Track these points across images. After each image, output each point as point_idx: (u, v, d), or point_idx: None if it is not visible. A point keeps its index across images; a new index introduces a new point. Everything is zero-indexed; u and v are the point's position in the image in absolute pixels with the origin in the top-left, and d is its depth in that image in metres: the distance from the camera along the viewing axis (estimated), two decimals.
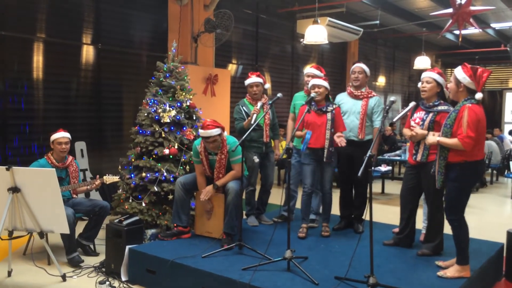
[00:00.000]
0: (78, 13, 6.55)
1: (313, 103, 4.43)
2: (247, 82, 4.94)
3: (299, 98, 5.03)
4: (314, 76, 4.82)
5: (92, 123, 6.80)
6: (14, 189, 3.82)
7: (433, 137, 3.56)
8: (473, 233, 3.75)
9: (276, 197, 5.03)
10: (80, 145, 6.42)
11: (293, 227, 4.15)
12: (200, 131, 4.25)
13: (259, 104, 4.79)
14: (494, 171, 10.75)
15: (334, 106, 4.44)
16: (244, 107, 4.89)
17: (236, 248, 4.01)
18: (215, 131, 4.17)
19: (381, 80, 13.89)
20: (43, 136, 6.10)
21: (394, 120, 4.15)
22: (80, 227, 4.89)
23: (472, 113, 3.35)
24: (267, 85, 5.01)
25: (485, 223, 6.41)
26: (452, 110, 3.54)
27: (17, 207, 3.90)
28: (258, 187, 5.10)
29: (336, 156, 4.50)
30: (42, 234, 4.02)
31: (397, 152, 9.24)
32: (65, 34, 6.42)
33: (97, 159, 6.76)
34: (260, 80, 4.91)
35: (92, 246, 4.72)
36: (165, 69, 5.22)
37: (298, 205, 5.08)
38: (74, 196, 4.76)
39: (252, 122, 4.53)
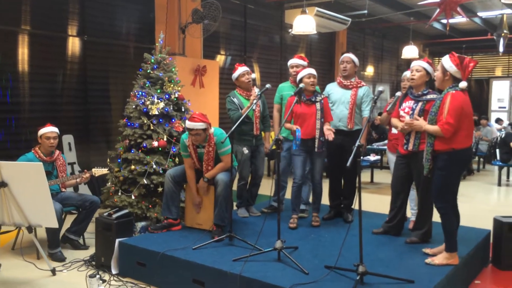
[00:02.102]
0: (63, 4, 6.45)
1: (302, 94, 4.44)
2: (238, 73, 4.88)
3: (285, 89, 5.02)
4: (298, 66, 4.83)
5: (79, 116, 6.73)
6: (2, 184, 3.78)
7: (420, 122, 3.57)
8: (461, 220, 3.80)
9: (266, 188, 5.04)
10: (68, 139, 6.36)
11: (283, 217, 4.16)
12: (186, 121, 4.24)
13: (256, 90, 4.79)
14: (481, 159, 10.88)
15: (322, 96, 4.45)
16: (235, 99, 4.87)
17: (227, 240, 4.02)
18: (200, 125, 4.15)
19: (370, 70, 13.92)
20: (29, 129, 6.02)
21: (387, 109, 4.19)
22: (68, 222, 4.86)
23: (454, 100, 3.39)
24: (253, 75, 4.99)
25: (472, 210, 6.49)
26: (437, 98, 3.58)
27: (5, 202, 3.86)
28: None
29: (326, 145, 4.52)
30: (30, 229, 3.99)
31: (386, 141, 9.29)
32: (50, 26, 6.32)
33: (85, 153, 6.71)
34: (247, 68, 4.92)
35: (80, 241, 4.70)
36: (152, 60, 5.18)
37: (288, 195, 5.10)
38: (63, 190, 4.73)
39: (254, 107, 4.53)
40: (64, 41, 6.52)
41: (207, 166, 4.34)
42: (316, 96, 4.43)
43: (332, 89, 4.80)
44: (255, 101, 4.53)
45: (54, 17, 6.37)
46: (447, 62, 3.52)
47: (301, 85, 4.34)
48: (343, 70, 4.73)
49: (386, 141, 9.30)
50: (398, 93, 4.21)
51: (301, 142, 4.41)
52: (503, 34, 9.77)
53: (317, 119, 4.36)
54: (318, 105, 4.39)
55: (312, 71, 4.43)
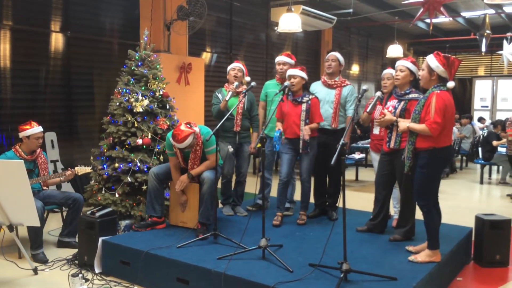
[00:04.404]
0: None
1: (289, 93, 4.44)
2: (229, 67, 4.94)
3: (271, 87, 5.02)
4: (285, 63, 4.83)
5: (62, 113, 6.64)
6: None
7: (403, 123, 3.62)
8: (443, 218, 3.85)
9: (251, 185, 5.04)
10: (50, 136, 6.27)
11: (268, 215, 4.17)
12: (175, 144, 4.12)
13: (235, 83, 4.76)
14: (464, 157, 11.03)
15: (310, 97, 4.43)
16: (219, 94, 4.87)
17: (211, 238, 4.01)
18: (188, 141, 4.06)
19: (355, 69, 14.01)
20: (11, 126, 5.93)
21: (368, 110, 4.22)
22: (51, 220, 4.80)
23: (439, 99, 3.43)
24: (248, 78, 4.95)
25: (455, 208, 6.58)
26: (421, 97, 3.61)
27: None
28: (234, 178, 5.08)
29: (315, 146, 4.51)
30: (11, 227, 3.92)
31: (370, 140, 9.35)
32: (33, 21, 6.22)
33: (68, 150, 6.62)
34: (241, 65, 4.89)
35: (76, 241, 4.59)
36: (137, 57, 5.13)
37: (273, 193, 5.11)
38: (45, 188, 4.66)
39: (227, 98, 4.51)
40: (47, 37, 6.42)
41: (193, 164, 4.31)
42: (303, 96, 4.42)
43: (317, 88, 4.81)
44: (230, 94, 4.54)
45: (36, 12, 6.26)
46: (433, 62, 3.54)
47: (286, 83, 4.34)
48: (328, 68, 4.76)
49: (369, 140, 9.39)
50: (378, 93, 4.25)
51: (288, 140, 4.42)
52: (485, 34, 9.91)
53: (301, 120, 4.36)
54: (304, 106, 4.38)
55: (293, 72, 4.40)
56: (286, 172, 4.48)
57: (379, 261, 3.61)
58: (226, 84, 4.93)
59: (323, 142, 4.61)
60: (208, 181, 4.16)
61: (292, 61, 4.86)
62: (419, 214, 3.82)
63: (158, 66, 5.22)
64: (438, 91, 3.47)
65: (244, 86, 4.97)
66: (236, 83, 4.77)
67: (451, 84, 3.51)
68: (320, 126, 4.68)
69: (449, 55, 3.56)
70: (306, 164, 4.49)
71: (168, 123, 5.08)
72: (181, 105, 5.91)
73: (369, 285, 3.15)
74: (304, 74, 4.42)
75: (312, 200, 4.99)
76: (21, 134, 4.48)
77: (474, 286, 3.97)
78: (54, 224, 5.28)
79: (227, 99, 4.58)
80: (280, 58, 4.92)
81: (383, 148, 4.18)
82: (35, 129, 4.49)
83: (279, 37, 10.83)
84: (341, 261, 3.22)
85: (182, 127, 4.09)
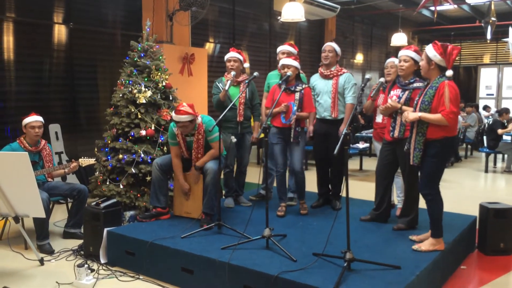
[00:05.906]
0: None
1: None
2: (226, 57, 4.89)
3: (273, 77, 5.00)
4: (288, 52, 4.80)
5: (66, 105, 6.66)
6: None
7: (414, 113, 3.56)
8: (448, 207, 3.85)
9: (255, 176, 5.04)
10: (55, 128, 6.29)
11: (271, 205, 4.18)
12: (173, 113, 4.19)
13: (232, 73, 4.73)
14: (469, 146, 10.99)
15: (303, 86, 4.41)
16: (220, 84, 4.85)
17: (215, 228, 4.03)
18: (185, 117, 4.10)
19: (359, 58, 13.91)
20: (16, 118, 5.95)
21: (371, 95, 4.21)
22: (56, 211, 4.82)
23: (452, 89, 3.43)
24: (246, 64, 4.93)
25: (459, 196, 6.57)
26: (427, 87, 3.58)
27: None
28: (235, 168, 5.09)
29: (305, 136, 4.50)
30: (17, 219, 3.96)
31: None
32: (36, 13, 6.22)
33: (72, 142, 6.65)
34: (237, 55, 4.84)
35: (82, 231, 4.63)
36: (139, 48, 5.12)
37: (276, 183, 5.10)
38: (50, 179, 4.69)
39: (226, 88, 4.50)
40: (49, 28, 6.42)
41: (197, 154, 4.32)
42: (297, 85, 4.40)
43: (315, 80, 4.80)
44: (228, 83, 4.53)
45: (39, 4, 6.25)
46: (431, 51, 3.53)
47: (288, 73, 4.32)
48: (325, 58, 4.72)
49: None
50: (382, 79, 4.23)
51: (278, 130, 4.41)
52: (490, 21, 9.80)
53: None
54: (297, 95, 4.36)
55: (286, 61, 4.37)
56: (282, 162, 4.48)
57: (382, 250, 3.62)
58: (226, 73, 4.91)
59: (324, 132, 4.60)
60: (212, 172, 4.17)
61: (295, 51, 4.83)
62: (422, 203, 3.82)
63: (160, 57, 5.22)
64: (447, 81, 3.46)
65: (245, 75, 4.95)
66: (233, 73, 4.74)
67: (449, 73, 3.48)
68: (322, 117, 4.67)
69: (447, 44, 3.52)
70: (298, 154, 4.45)
71: (171, 114, 5.07)
72: (184, 96, 5.90)
73: (373, 274, 3.16)
74: (297, 64, 4.40)
75: (316, 189, 5.00)
76: (23, 125, 4.52)
77: (478, 274, 3.98)
78: (60, 215, 5.32)
79: (226, 88, 4.56)
80: (283, 48, 4.87)
81: (385, 137, 4.16)
82: (29, 118, 4.50)
83: (282, 27, 10.76)
84: (345, 250, 3.23)
85: (185, 104, 4.16)
